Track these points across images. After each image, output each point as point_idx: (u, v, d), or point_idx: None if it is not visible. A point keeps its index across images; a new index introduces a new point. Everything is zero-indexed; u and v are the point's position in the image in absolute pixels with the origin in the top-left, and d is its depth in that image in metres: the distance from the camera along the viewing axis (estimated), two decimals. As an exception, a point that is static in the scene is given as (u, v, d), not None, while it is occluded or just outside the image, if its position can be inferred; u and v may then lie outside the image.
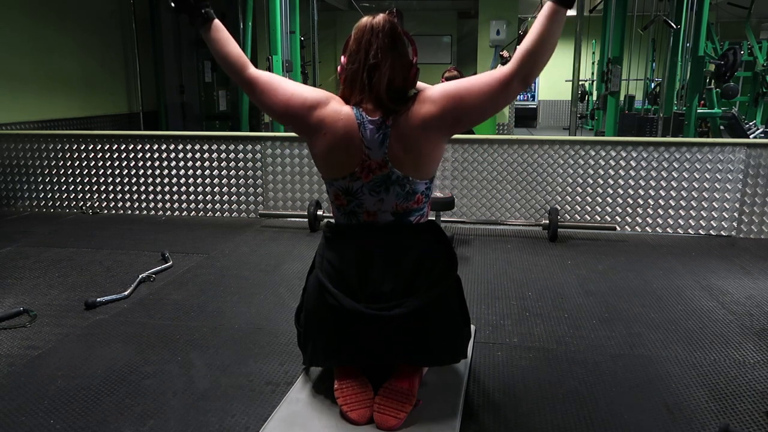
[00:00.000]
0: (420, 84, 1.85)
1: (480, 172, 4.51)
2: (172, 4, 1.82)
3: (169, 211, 4.93)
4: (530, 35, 1.60)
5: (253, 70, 1.85)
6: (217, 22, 1.84)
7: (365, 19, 1.79)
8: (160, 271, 3.41)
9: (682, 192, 4.30)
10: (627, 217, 4.39)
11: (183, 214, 4.91)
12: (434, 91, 1.76)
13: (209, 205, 4.88)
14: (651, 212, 4.35)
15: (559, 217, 4.26)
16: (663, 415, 1.97)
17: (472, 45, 11.50)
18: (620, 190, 4.36)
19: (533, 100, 15.01)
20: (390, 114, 1.75)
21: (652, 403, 2.04)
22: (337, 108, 1.78)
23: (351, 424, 1.78)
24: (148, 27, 7.56)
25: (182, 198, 4.90)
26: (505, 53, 5.37)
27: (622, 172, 4.34)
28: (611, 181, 4.36)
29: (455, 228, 4.46)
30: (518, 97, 13.46)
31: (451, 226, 4.45)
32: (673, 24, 6.73)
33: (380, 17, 1.78)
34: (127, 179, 4.94)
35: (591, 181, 4.39)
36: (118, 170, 4.94)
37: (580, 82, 10.26)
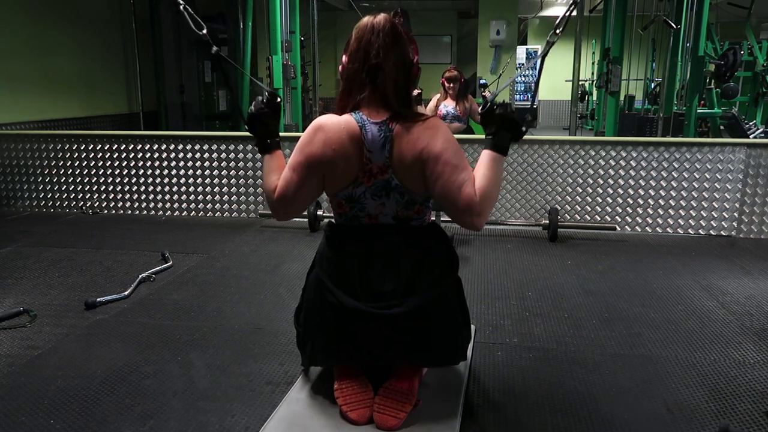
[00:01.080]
0: (430, 109, 1.86)
1: (480, 172, 4.49)
2: (246, 127, 1.92)
3: (169, 211, 4.93)
4: (481, 178, 1.72)
5: (277, 190, 1.83)
6: (278, 152, 1.91)
7: (366, 19, 1.79)
8: (160, 271, 3.41)
9: (682, 192, 4.30)
10: (627, 217, 4.39)
11: (183, 214, 4.91)
12: (444, 130, 1.76)
13: (209, 205, 4.88)
14: (651, 212, 4.35)
15: (559, 217, 4.26)
16: (663, 415, 1.97)
17: (472, 45, 11.51)
18: (620, 190, 4.36)
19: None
20: (396, 118, 1.74)
21: (652, 403, 2.04)
22: (335, 120, 1.77)
23: (351, 424, 1.78)
24: (148, 27, 7.56)
25: (182, 198, 4.90)
26: (487, 93, 5.34)
27: (622, 172, 4.34)
28: (611, 181, 4.36)
29: (455, 228, 4.46)
30: (518, 97, 13.48)
31: (451, 226, 4.45)
32: (673, 24, 6.73)
33: (381, 17, 1.78)
34: (127, 179, 4.94)
35: (591, 181, 4.39)
36: (118, 170, 4.94)
37: (580, 82, 10.25)
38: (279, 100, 1.95)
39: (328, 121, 1.77)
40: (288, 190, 1.81)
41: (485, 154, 1.77)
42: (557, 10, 12.73)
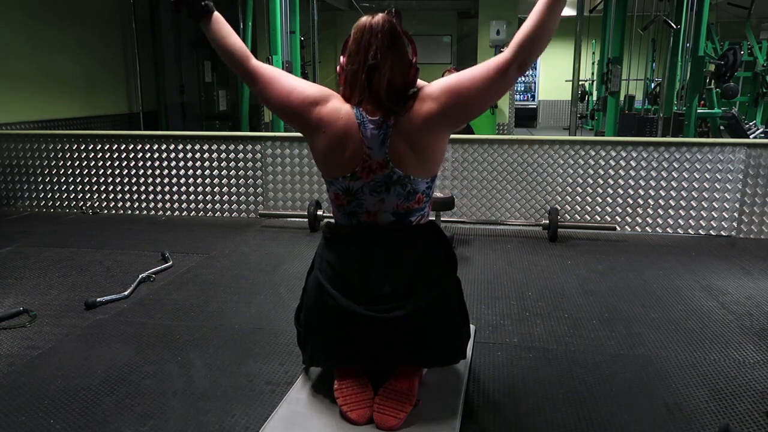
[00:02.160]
0: (419, 82, 1.85)
1: (480, 172, 4.51)
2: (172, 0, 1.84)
3: (169, 211, 4.93)
4: (529, 21, 1.60)
5: (255, 62, 1.85)
6: (217, 14, 1.85)
7: (364, 19, 1.78)
8: (160, 271, 3.41)
9: (682, 192, 4.30)
10: (627, 217, 4.39)
11: (183, 214, 4.91)
12: (434, 87, 1.75)
13: (209, 205, 4.88)
14: (651, 212, 4.35)
15: (559, 217, 4.26)
16: (663, 415, 1.97)
17: (472, 45, 11.50)
18: (620, 190, 4.36)
19: (533, 100, 15.02)
20: (390, 114, 1.74)
21: (652, 403, 2.04)
22: (337, 106, 1.77)
23: (351, 424, 1.77)
24: (148, 27, 7.55)
25: (182, 198, 4.90)
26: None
27: (622, 172, 4.34)
28: (611, 181, 4.36)
29: (455, 228, 4.46)
30: (518, 97, 13.49)
31: (451, 226, 4.45)
32: (673, 24, 6.73)
33: (379, 17, 1.77)
34: (127, 179, 4.94)
35: (591, 181, 4.39)
36: (118, 170, 4.94)
37: (580, 82, 10.25)
38: None
39: (334, 101, 1.79)
40: (266, 84, 1.82)
41: None
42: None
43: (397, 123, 1.74)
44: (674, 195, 4.31)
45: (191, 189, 4.88)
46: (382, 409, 1.76)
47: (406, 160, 1.75)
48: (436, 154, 1.80)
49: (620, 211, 4.39)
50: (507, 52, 1.64)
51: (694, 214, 4.31)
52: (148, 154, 4.88)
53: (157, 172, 4.89)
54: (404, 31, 1.81)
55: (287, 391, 2.01)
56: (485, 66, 1.69)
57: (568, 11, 11.46)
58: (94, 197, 5.01)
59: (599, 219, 4.41)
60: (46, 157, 5.02)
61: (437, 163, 1.83)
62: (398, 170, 1.76)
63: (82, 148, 4.96)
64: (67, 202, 5.05)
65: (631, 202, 4.36)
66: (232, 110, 8.25)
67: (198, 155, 4.81)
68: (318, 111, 1.77)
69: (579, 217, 4.43)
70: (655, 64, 9.82)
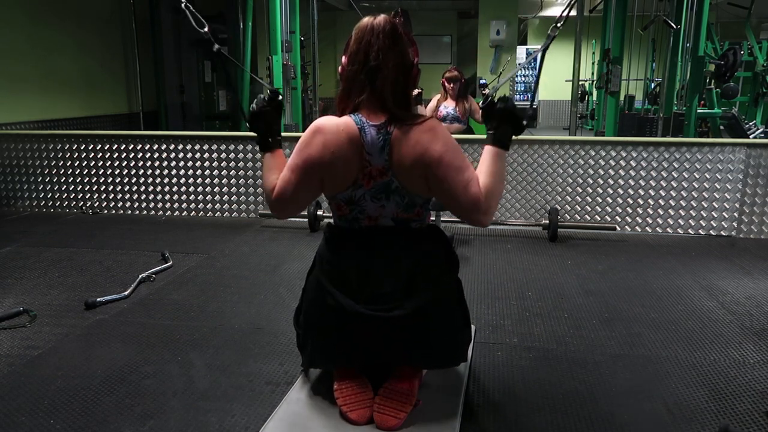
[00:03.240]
0: (430, 109, 1.84)
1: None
2: (248, 125, 1.92)
3: (169, 211, 4.93)
4: (484, 175, 1.73)
5: (275, 190, 1.82)
6: (279, 151, 1.90)
7: (366, 20, 1.78)
8: (160, 271, 3.41)
9: (682, 192, 4.30)
10: (627, 217, 4.39)
11: (183, 214, 4.91)
12: (443, 132, 1.74)
13: (209, 205, 4.88)
14: (651, 212, 4.35)
15: (559, 217, 4.26)
16: (663, 415, 1.97)
17: (472, 45, 11.51)
18: (620, 190, 4.36)
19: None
20: (394, 120, 1.74)
21: (652, 403, 2.04)
22: (334, 122, 1.76)
23: (351, 425, 1.77)
24: (148, 27, 7.55)
25: (182, 198, 4.90)
26: (487, 90, 5.30)
27: (622, 172, 4.34)
28: (611, 181, 4.36)
29: (455, 228, 4.46)
30: (518, 97, 13.48)
31: (451, 226, 4.45)
32: (673, 24, 6.73)
33: (381, 18, 1.77)
34: (127, 179, 4.94)
35: (591, 181, 4.39)
36: (118, 170, 4.94)
37: (580, 82, 10.25)
38: (281, 98, 1.95)
39: (327, 123, 1.77)
40: (286, 191, 1.81)
41: (487, 151, 1.78)
42: (557, 10, 12.72)
43: (398, 132, 1.73)
44: (674, 195, 4.31)
45: (191, 189, 4.88)
46: (382, 409, 1.76)
47: (402, 172, 1.75)
48: (422, 188, 1.78)
49: (620, 211, 4.39)
50: (481, 195, 1.70)
51: (694, 214, 4.31)
52: (148, 154, 4.88)
53: (157, 172, 4.89)
54: (406, 32, 1.81)
55: (287, 391, 2.01)
56: (468, 178, 1.70)
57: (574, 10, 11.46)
58: (94, 197, 5.01)
59: (599, 219, 4.41)
60: (46, 157, 5.02)
61: (426, 192, 1.81)
62: (396, 180, 1.75)
63: (82, 148, 4.96)
64: (67, 202, 5.05)
65: (631, 202, 4.36)
66: (232, 110, 8.25)
67: (198, 155, 4.81)
68: (318, 140, 1.73)
69: (579, 217, 4.43)
70: (655, 64, 9.82)
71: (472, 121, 5.18)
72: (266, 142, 1.90)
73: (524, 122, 1.82)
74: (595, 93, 11.97)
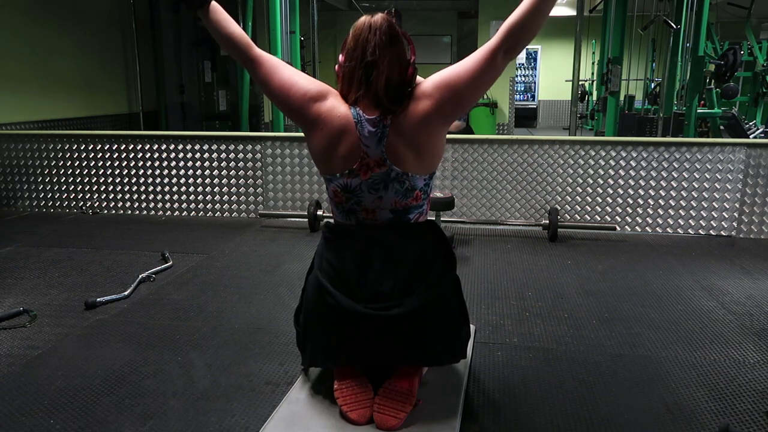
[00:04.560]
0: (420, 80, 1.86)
1: (480, 172, 4.51)
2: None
3: (169, 211, 4.93)
4: (520, 10, 1.62)
5: (257, 50, 1.87)
6: (215, 3, 1.86)
7: (363, 18, 1.80)
8: (160, 271, 3.41)
9: (682, 192, 4.30)
10: (627, 217, 4.39)
11: (183, 214, 4.91)
12: (427, 85, 1.77)
13: (209, 205, 4.88)
14: (651, 212, 4.35)
15: (559, 217, 4.26)
16: (663, 415, 1.97)
17: (472, 45, 11.49)
18: (620, 190, 4.36)
19: (533, 100, 15.02)
20: (388, 113, 1.75)
21: (652, 403, 2.04)
22: (335, 104, 1.78)
23: (351, 424, 1.77)
24: (148, 27, 7.55)
25: (182, 198, 4.90)
26: None
27: (622, 172, 4.34)
28: (611, 181, 4.36)
29: (455, 228, 4.46)
30: (518, 97, 13.48)
31: (451, 226, 4.45)
32: (673, 24, 6.73)
33: (378, 16, 1.78)
34: (127, 179, 4.94)
35: (591, 181, 4.39)
36: (118, 170, 4.94)
37: (580, 82, 10.25)
38: None
39: (334, 99, 1.80)
40: (267, 72, 1.84)
41: None
42: (557, 10, 12.72)
43: (394, 122, 1.74)
44: (674, 195, 4.31)
45: (191, 189, 4.88)
46: (382, 409, 1.76)
47: (404, 157, 1.76)
48: (435, 150, 1.81)
49: (620, 211, 4.39)
50: (494, 39, 1.67)
51: (694, 214, 4.31)
52: (148, 154, 4.88)
53: (157, 172, 4.89)
54: (403, 31, 1.82)
55: (287, 391, 2.01)
56: (474, 57, 1.72)
57: (568, 11, 11.47)
58: (94, 197, 5.01)
59: (599, 219, 4.41)
60: (46, 157, 5.02)
61: (436, 159, 1.83)
62: (396, 168, 1.76)
63: (82, 148, 4.96)
64: (67, 202, 5.05)
65: (631, 202, 4.36)
66: (232, 110, 8.25)
67: (198, 155, 4.81)
68: (317, 108, 1.78)
69: (579, 217, 4.43)
70: (655, 64, 9.82)
71: (471, 122, 5.18)
72: None
73: None
74: (595, 93, 11.97)
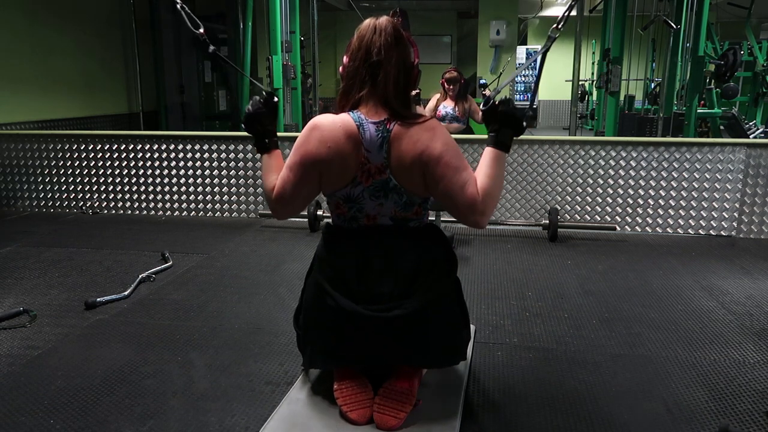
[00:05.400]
0: (429, 109, 1.85)
1: (480, 172, 4.49)
2: (243, 126, 1.95)
3: (169, 211, 4.93)
4: (483, 177, 1.74)
5: (275, 190, 1.83)
6: (276, 152, 1.92)
7: (368, 20, 1.80)
8: (160, 271, 3.41)
9: (682, 192, 4.30)
10: (627, 217, 4.39)
11: (183, 214, 4.91)
12: (443, 132, 1.74)
13: (209, 205, 4.88)
14: (651, 212, 4.35)
15: (559, 217, 4.26)
16: (663, 415, 1.97)
17: (472, 45, 11.51)
18: (620, 190, 4.36)
19: (533, 100, 14.99)
20: (394, 116, 1.74)
21: (652, 403, 2.04)
22: (331, 119, 1.77)
23: (351, 424, 1.77)
24: (148, 27, 7.55)
25: (182, 198, 4.90)
26: (487, 92, 5.35)
27: (622, 172, 4.34)
28: (611, 181, 4.36)
29: (455, 228, 4.46)
30: (518, 97, 13.48)
31: (451, 226, 4.45)
32: (673, 24, 6.73)
33: (383, 18, 1.79)
34: (127, 179, 4.94)
35: (591, 181, 4.39)
36: (118, 170, 4.94)
37: (580, 82, 10.25)
38: (276, 99, 1.95)
39: (324, 120, 1.78)
40: (285, 190, 1.82)
41: (487, 152, 1.79)
42: (557, 10, 12.73)
43: (397, 130, 1.73)
44: (674, 195, 4.31)
45: (191, 189, 4.88)
46: (382, 409, 1.76)
47: (401, 170, 1.75)
48: (420, 189, 1.79)
49: (620, 211, 4.39)
50: (478, 196, 1.71)
51: (694, 214, 4.31)
52: (148, 154, 4.88)
53: (157, 172, 4.89)
54: (407, 34, 1.82)
55: (287, 391, 2.01)
56: (465, 179, 1.71)
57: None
58: (94, 197, 5.01)
59: (599, 219, 4.41)
60: (46, 157, 5.02)
61: (424, 192, 1.81)
62: (393, 179, 1.75)
63: (82, 148, 4.96)
64: (67, 202, 5.05)
65: (631, 202, 4.36)
66: (232, 110, 8.25)
67: (198, 155, 4.81)
68: (314, 136, 1.74)
69: (579, 217, 4.43)
70: (655, 64, 9.82)
71: (472, 121, 5.18)
72: (263, 144, 1.92)
73: (524, 124, 1.81)
74: (595, 93, 11.97)
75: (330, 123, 1.76)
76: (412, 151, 1.72)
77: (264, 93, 1.94)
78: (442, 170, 1.71)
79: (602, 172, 4.37)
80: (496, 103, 1.80)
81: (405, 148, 1.72)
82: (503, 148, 1.79)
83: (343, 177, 1.78)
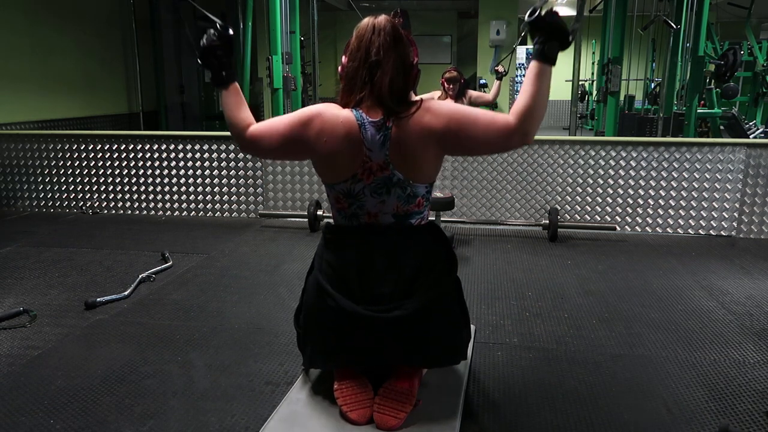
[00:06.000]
0: (426, 95, 1.85)
1: (480, 172, 4.51)
2: (199, 61, 1.89)
3: (169, 211, 4.93)
4: (524, 94, 1.66)
5: (252, 129, 1.85)
6: (235, 85, 1.88)
7: (367, 20, 1.80)
8: (160, 271, 3.41)
9: (682, 192, 4.30)
10: (627, 217, 4.39)
11: (183, 214, 4.91)
12: (440, 105, 1.75)
13: (209, 205, 4.88)
14: (651, 212, 4.35)
15: (559, 217, 4.26)
16: (663, 415, 1.97)
17: (472, 45, 11.50)
18: (620, 190, 4.36)
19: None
20: (391, 115, 1.74)
21: (652, 403, 2.04)
22: (335, 112, 1.77)
23: (351, 424, 1.77)
24: (148, 27, 7.55)
25: (182, 198, 4.90)
26: (500, 68, 5.36)
27: (622, 172, 4.34)
28: (611, 181, 4.36)
29: (455, 228, 4.46)
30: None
31: (451, 226, 4.45)
32: (673, 24, 6.73)
33: (382, 18, 1.78)
34: (127, 179, 4.94)
35: (591, 181, 4.39)
36: (118, 170, 4.94)
37: (580, 82, 10.25)
38: (231, 32, 1.90)
39: (328, 110, 1.78)
40: (264, 140, 1.82)
41: (532, 67, 1.69)
42: (557, 11, 12.71)
43: (396, 126, 1.74)
44: (674, 195, 4.31)
45: (191, 189, 4.88)
46: (382, 409, 1.76)
47: (405, 163, 1.75)
48: (430, 168, 1.79)
49: (620, 211, 4.39)
50: (512, 121, 1.66)
51: (694, 214, 4.31)
52: (148, 154, 4.88)
53: (157, 172, 4.89)
54: (407, 33, 1.81)
55: (287, 391, 2.01)
56: (492, 120, 1.69)
57: (568, 11, 11.46)
58: (94, 197, 5.01)
59: (599, 219, 4.41)
60: (46, 157, 5.02)
61: (434, 172, 1.82)
62: (398, 173, 1.76)
63: (82, 148, 4.96)
64: (67, 202, 5.05)
65: (631, 202, 4.36)
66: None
67: (198, 155, 4.81)
68: (316, 123, 1.76)
69: (579, 217, 4.43)
70: (655, 64, 9.82)
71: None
72: (220, 77, 1.87)
73: (570, 38, 1.71)
74: (594, 93, 11.97)
75: (332, 117, 1.76)
76: (418, 137, 1.72)
77: (218, 25, 1.88)
78: (456, 130, 1.70)
79: (602, 172, 4.37)
80: (542, 14, 1.70)
81: (408, 139, 1.73)
82: (549, 61, 1.69)
83: (336, 171, 1.78)
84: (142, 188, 4.93)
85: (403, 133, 1.73)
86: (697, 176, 4.26)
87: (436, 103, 1.77)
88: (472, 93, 5.06)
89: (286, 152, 1.88)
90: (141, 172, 4.91)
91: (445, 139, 1.72)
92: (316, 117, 1.77)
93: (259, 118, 8.09)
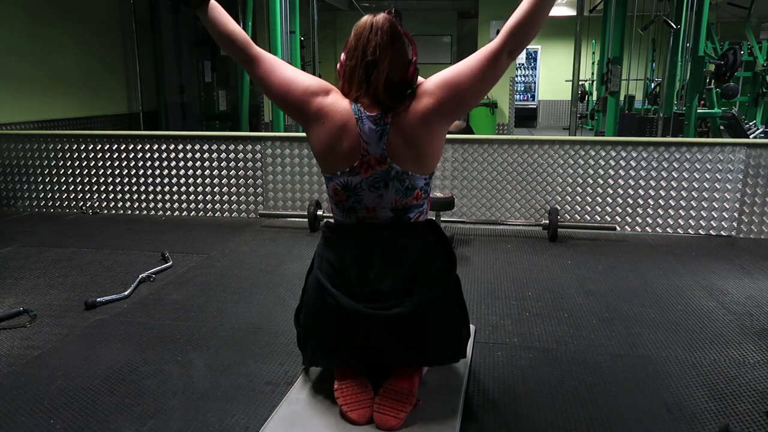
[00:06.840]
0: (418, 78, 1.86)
1: (480, 172, 4.51)
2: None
3: (169, 211, 4.93)
4: (521, 10, 1.64)
5: (256, 49, 1.87)
6: (213, 2, 1.85)
7: (366, 18, 1.80)
8: (160, 271, 3.41)
9: (682, 192, 4.30)
10: (627, 217, 4.39)
11: (183, 214, 4.91)
12: (429, 83, 1.78)
13: (209, 205, 4.88)
14: (651, 212, 4.35)
15: (559, 217, 4.26)
16: (663, 415, 1.97)
17: (472, 45, 11.49)
18: (620, 190, 4.36)
19: (533, 100, 15.02)
20: (388, 111, 1.75)
21: (652, 403, 2.04)
22: (337, 100, 1.79)
23: (351, 424, 1.77)
24: (148, 27, 7.55)
25: (182, 198, 4.90)
26: None
27: (622, 172, 4.34)
28: (611, 181, 4.36)
29: (455, 228, 4.46)
30: (518, 97, 13.48)
31: (451, 226, 4.45)
32: (673, 24, 6.73)
33: (381, 16, 1.79)
34: (127, 179, 4.94)
35: (591, 181, 4.39)
36: (118, 170, 4.94)
37: (580, 82, 10.25)
38: None
39: (335, 95, 1.81)
40: (267, 63, 1.84)
41: None
42: (557, 11, 12.72)
43: (394, 119, 1.75)
44: (674, 195, 4.31)
45: (191, 189, 4.88)
46: (382, 409, 1.76)
47: (404, 156, 1.76)
48: (434, 149, 1.81)
49: (620, 211, 4.39)
50: (497, 40, 1.68)
51: (694, 214, 4.31)
52: (148, 154, 4.88)
53: (157, 172, 4.89)
54: (405, 31, 1.82)
55: (287, 391, 2.01)
56: (476, 56, 1.73)
57: (568, 11, 11.47)
58: (94, 197, 5.01)
59: (599, 219, 4.41)
60: (46, 157, 5.02)
61: (435, 159, 1.84)
62: (396, 166, 1.76)
63: (82, 148, 4.96)
64: (67, 202, 5.05)
65: (631, 202, 4.36)
66: (232, 110, 8.25)
67: (198, 155, 4.81)
68: (318, 101, 1.79)
69: (579, 217, 4.43)
70: (655, 64, 9.82)
71: (471, 122, 5.18)
72: None
73: None
74: (595, 93, 11.97)
75: (334, 104, 1.78)
76: (418, 122, 1.75)
77: None
78: (453, 92, 1.73)
79: (602, 172, 4.37)
80: None
81: (408, 129, 1.75)
82: None
83: (333, 160, 1.80)
84: (142, 188, 4.93)
85: (403, 125, 1.75)
86: (697, 176, 4.26)
87: (425, 84, 1.79)
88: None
89: (278, 99, 1.87)
90: (141, 172, 4.91)
91: (446, 107, 1.75)
92: (323, 93, 1.80)
93: (259, 117, 8.07)
